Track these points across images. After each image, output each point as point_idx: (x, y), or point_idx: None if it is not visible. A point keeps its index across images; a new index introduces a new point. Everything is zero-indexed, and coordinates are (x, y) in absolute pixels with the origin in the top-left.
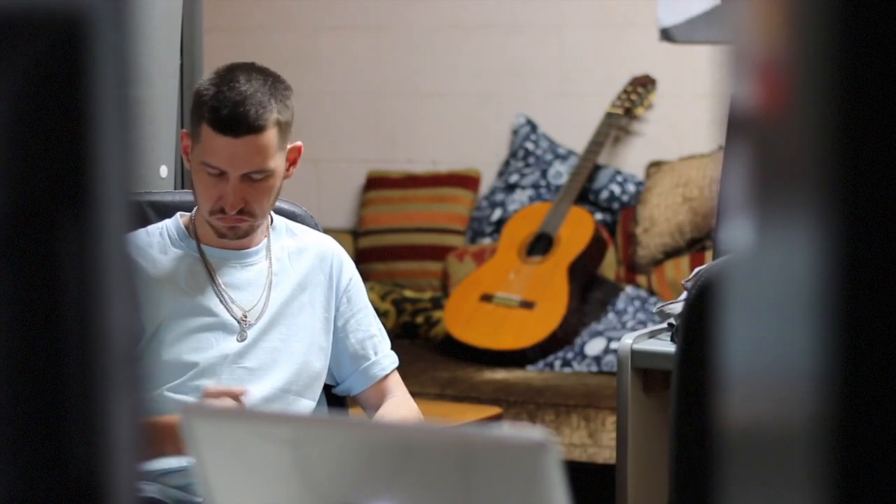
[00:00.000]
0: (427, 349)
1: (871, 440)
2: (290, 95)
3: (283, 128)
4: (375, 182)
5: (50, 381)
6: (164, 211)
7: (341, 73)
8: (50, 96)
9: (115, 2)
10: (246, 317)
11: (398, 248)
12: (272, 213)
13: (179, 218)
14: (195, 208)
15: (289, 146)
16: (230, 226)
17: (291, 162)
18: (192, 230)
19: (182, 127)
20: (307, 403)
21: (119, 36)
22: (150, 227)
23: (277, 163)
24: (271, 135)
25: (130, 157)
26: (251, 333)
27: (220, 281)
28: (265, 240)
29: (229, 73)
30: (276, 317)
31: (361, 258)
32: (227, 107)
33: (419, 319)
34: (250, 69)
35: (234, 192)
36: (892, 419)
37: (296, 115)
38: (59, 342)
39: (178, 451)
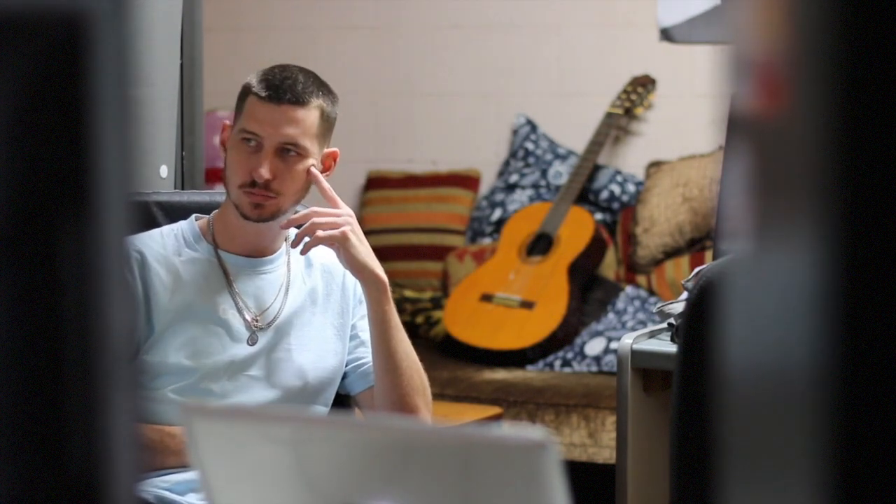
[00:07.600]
0: (427, 349)
1: (871, 440)
2: (336, 101)
3: (325, 118)
4: (375, 182)
5: (50, 381)
6: (172, 211)
7: (340, 73)
8: (50, 96)
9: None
10: (257, 320)
11: (398, 248)
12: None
13: (195, 220)
14: (213, 212)
15: (325, 150)
16: (255, 203)
17: (326, 168)
18: (208, 234)
19: (182, 127)
20: (320, 409)
21: (119, 36)
22: (164, 229)
23: (313, 150)
24: (312, 115)
25: (130, 157)
26: (262, 339)
27: (235, 286)
28: (282, 248)
29: (281, 65)
30: (286, 325)
31: None
32: (275, 79)
33: (419, 319)
34: (302, 69)
35: (266, 162)
36: (891, 420)
37: None
38: (59, 342)
39: (179, 462)
